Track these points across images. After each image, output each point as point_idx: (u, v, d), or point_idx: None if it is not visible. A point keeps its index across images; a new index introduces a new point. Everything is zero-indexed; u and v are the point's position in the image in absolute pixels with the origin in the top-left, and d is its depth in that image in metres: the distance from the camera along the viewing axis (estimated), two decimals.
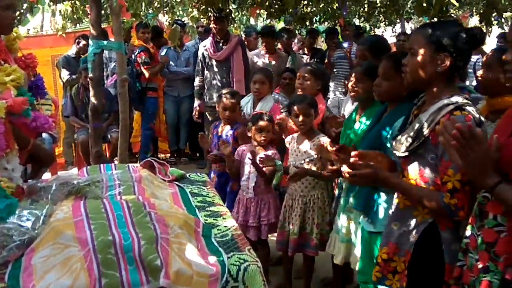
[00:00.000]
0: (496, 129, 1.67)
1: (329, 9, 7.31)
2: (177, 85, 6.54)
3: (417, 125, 1.83)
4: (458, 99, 1.78)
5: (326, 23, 8.00)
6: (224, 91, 3.88)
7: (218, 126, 3.85)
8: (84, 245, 1.53)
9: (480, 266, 1.57)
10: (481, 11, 6.68)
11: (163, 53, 6.44)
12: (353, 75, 2.89)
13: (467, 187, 1.71)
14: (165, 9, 6.30)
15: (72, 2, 6.55)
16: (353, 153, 2.02)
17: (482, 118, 1.80)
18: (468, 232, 1.67)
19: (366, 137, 2.53)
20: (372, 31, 9.20)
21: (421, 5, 3.34)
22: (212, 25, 5.50)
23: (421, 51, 1.83)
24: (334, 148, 2.40)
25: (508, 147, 1.51)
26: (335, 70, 6.18)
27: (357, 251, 2.75)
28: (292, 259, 3.51)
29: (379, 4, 6.69)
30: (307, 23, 7.62)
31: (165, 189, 2.30)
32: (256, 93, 4.06)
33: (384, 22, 7.58)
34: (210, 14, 5.85)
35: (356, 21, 8.68)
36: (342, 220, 2.90)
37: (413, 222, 1.89)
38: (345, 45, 5.94)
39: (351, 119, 2.94)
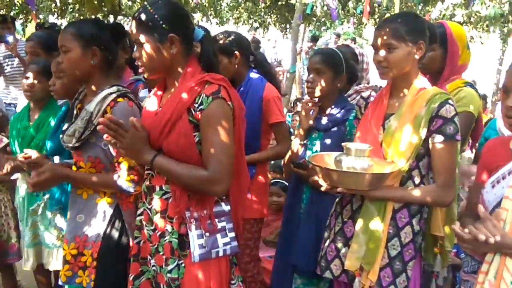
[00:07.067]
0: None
1: (18, 3, 6.75)
2: None
3: (85, 116, 1.91)
4: (119, 88, 1.96)
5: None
6: None
7: None
8: None
9: (159, 233, 1.75)
10: None
11: None
12: (28, 73, 2.75)
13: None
14: None
15: None
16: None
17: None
18: (140, 210, 1.85)
19: (54, 136, 2.47)
20: None
21: (91, 2, 3.33)
22: None
23: (72, 48, 1.91)
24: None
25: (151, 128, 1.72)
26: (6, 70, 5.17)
27: (49, 252, 2.74)
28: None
29: (71, 1, 6.51)
30: None
31: None
32: None
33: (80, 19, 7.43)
34: None
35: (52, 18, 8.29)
36: (27, 225, 2.78)
37: (99, 210, 1.96)
38: (10, 39, 5.12)
39: (23, 117, 2.83)
